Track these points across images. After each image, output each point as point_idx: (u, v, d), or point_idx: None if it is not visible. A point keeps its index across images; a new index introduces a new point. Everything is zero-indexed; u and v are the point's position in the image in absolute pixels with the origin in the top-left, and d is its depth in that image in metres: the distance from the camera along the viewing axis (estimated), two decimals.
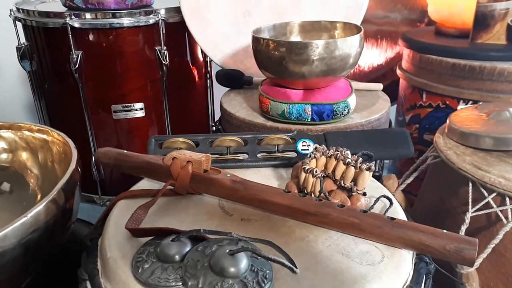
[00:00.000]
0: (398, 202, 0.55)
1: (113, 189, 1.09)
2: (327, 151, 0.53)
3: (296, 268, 0.39)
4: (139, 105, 1.01)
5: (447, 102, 0.97)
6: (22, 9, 0.98)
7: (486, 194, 0.58)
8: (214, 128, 1.17)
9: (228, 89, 1.01)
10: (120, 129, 1.03)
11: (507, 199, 0.57)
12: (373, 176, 0.60)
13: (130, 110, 1.01)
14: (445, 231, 0.42)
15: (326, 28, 0.87)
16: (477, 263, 0.56)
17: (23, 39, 1.03)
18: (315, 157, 0.52)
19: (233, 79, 0.99)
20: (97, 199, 1.10)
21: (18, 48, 1.02)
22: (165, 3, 1.07)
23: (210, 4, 0.95)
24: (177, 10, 0.98)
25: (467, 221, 0.58)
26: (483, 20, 0.95)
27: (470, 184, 0.61)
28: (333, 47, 0.71)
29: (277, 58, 0.73)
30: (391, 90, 1.17)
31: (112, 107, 0.99)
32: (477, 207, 0.59)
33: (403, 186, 0.73)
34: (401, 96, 1.14)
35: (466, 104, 0.94)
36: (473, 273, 0.56)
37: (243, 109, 0.86)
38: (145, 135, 1.05)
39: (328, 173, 0.53)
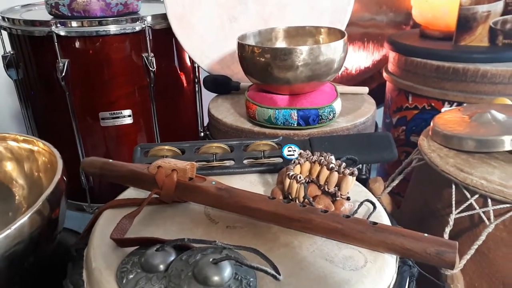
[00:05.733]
0: (383, 205, 0.56)
1: (103, 196, 1.09)
2: (311, 157, 0.53)
3: (280, 275, 0.39)
4: (127, 112, 1.01)
5: (433, 104, 0.99)
6: (7, 18, 0.98)
7: (468, 195, 0.59)
8: (202, 134, 1.18)
9: (216, 94, 1.01)
10: (108, 136, 1.02)
11: (489, 200, 0.58)
12: (360, 179, 0.61)
13: (118, 117, 1.01)
14: (426, 234, 0.43)
15: (311, 33, 0.88)
16: (461, 265, 0.57)
17: (8, 48, 1.02)
18: (299, 163, 0.53)
19: (220, 85, 0.99)
20: (86, 207, 1.09)
21: (3, 57, 1.01)
22: (151, 10, 1.07)
23: (196, 10, 0.96)
24: (164, 17, 0.98)
25: (451, 223, 0.59)
26: (465, 22, 0.97)
27: (453, 186, 0.61)
28: (317, 52, 0.71)
29: (262, 64, 0.74)
30: (378, 93, 1.19)
31: (99, 114, 0.99)
32: (460, 208, 0.60)
33: (389, 188, 0.74)
34: (387, 99, 1.15)
35: (451, 106, 0.95)
36: (457, 275, 0.57)
37: (230, 115, 0.87)
38: (134, 142, 1.05)
39: (313, 179, 0.53)
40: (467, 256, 0.56)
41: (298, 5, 0.97)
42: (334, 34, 0.84)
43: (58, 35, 0.90)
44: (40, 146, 0.68)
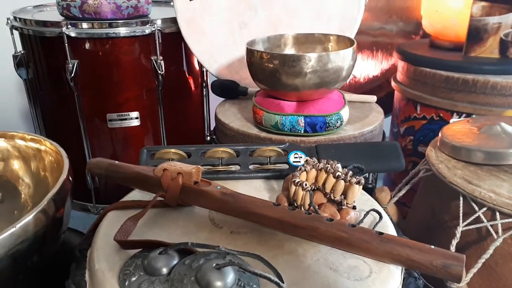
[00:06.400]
0: (389, 215, 0.55)
1: (108, 197, 1.09)
2: (317, 164, 0.53)
3: (283, 283, 0.39)
4: (135, 114, 1.01)
5: (441, 115, 0.98)
6: (19, 18, 0.99)
7: (476, 208, 0.59)
8: (208, 138, 1.18)
9: (224, 99, 1.01)
10: (115, 138, 1.03)
11: (497, 213, 0.57)
12: (366, 188, 0.61)
13: (125, 119, 1.01)
14: (432, 246, 0.42)
15: (320, 41, 0.88)
16: (467, 278, 0.56)
17: (20, 47, 1.04)
18: (305, 170, 0.53)
19: (228, 90, 0.99)
20: (91, 208, 1.09)
21: (14, 56, 1.02)
22: (161, 13, 1.08)
23: (206, 15, 0.96)
24: (174, 20, 0.98)
25: (458, 235, 0.58)
26: (476, 34, 0.96)
27: (461, 198, 0.61)
28: (325, 60, 0.71)
29: (271, 70, 0.74)
30: (386, 102, 1.18)
31: (107, 116, 0.99)
32: (468, 221, 0.59)
33: (395, 198, 0.74)
34: (396, 108, 1.14)
35: (459, 117, 0.95)
36: None
37: (237, 120, 0.87)
38: (140, 144, 1.05)
39: (319, 186, 0.53)
40: (474, 270, 0.56)
41: (307, 12, 0.97)
42: (344, 42, 0.84)
43: (68, 36, 0.91)
44: (47, 146, 0.68)
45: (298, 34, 0.89)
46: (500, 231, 0.56)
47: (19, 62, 1.03)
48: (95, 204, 1.09)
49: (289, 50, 0.90)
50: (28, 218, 0.48)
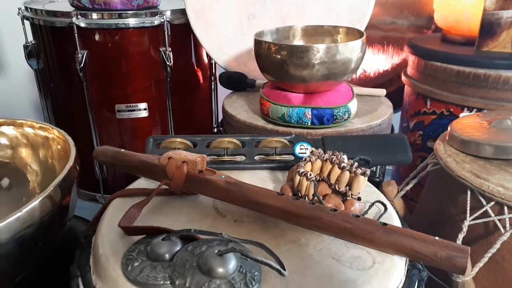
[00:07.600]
0: (395, 208, 0.55)
1: (115, 188, 1.08)
2: (323, 155, 0.53)
3: (285, 270, 0.39)
4: (143, 105, 1.02)
5: (451, 110, 0.96)
6: (30, 8, 0.99)
7: (484, 202, 0.58)
8: (215, 130, 1.18)
9: (231, 91, 1.01)
10: (123, 129, 1.03)
11: (505, 208, 0.56)
12: (373, 182, 0.60)
13: (133, 110, 1.02)
14: (437, 238, 0.42)
15: (329, 33, 0.87)
16: (473, 272, 0.55)
17: (30, 38, 1.04)
18: (310, 160, 0.52)
19: (236, 82, 0.99)
20: (99, 198, 1.10)
21: (25, 46, 1.03)
22: (171, 5, 1.08)
23: (215, 6, 0.96)
24: (183, 12, 0.98)
25: (465, 229, 0.58)
26: (489, 28, 0.95)
27: (469, 192, 0.60)
28: (334, 51, 0.71)
29: (278, 61, 0.74)
30: (396, 96, 1.17)
31: (116, 106, 1.00)
32: (475, 215, 0.58)
33: (402, 192, 0.73)
34: (405, 103, 1.13)
35: (470, 112, 0.93)
36: (469, 282, 0.56)
37: (244, 112, 0.86)
38: (148, 135, 1.04)
39: (324, 177, 0.53)
40: (480, 264, 0.55)
41: (316, 5, 0.96)
42: (353, 34, 0.83)
43: (78, 27, 0.92)
44: (55, 134, 0.68)
45: (307, 26, 0.89)
46: (507, 225, 0.55)
47: (30, 53, 1.04)
48: (103, 194, 1.10)
49: (298, 41, 0.89)
50: (34, 203, 0.48)
